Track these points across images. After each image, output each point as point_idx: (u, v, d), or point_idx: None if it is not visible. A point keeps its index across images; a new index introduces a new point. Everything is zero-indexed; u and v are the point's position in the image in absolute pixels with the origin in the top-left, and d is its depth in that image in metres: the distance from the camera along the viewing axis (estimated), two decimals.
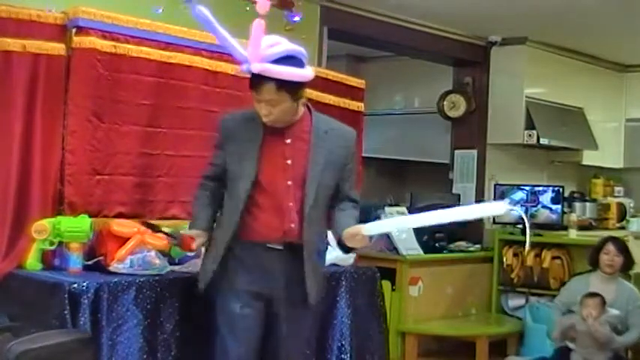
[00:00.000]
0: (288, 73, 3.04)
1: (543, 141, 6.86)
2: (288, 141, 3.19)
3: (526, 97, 6.89)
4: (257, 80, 3.05)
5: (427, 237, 6.14)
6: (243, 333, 3.17)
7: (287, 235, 3.17)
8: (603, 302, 4.80)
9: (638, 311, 4.96)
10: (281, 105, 3.09)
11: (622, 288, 5.08)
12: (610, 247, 5.14)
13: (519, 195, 6.72)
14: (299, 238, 3.18)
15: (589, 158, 7.62)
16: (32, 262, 3.40)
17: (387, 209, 5.94)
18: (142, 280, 3.28)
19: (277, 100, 3.07)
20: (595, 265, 5.19)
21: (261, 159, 3.15)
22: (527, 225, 3.13)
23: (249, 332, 3.18)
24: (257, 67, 3.00)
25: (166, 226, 3.74)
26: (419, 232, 5.97)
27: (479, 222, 6.89)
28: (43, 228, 3.38)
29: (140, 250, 3.41)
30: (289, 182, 3.16)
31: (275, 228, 3.16)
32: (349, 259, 4.12)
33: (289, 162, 3.16)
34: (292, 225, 3.16)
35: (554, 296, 5.58)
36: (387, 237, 5.82)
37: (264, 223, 3.17)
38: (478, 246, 6.65)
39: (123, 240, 3.45)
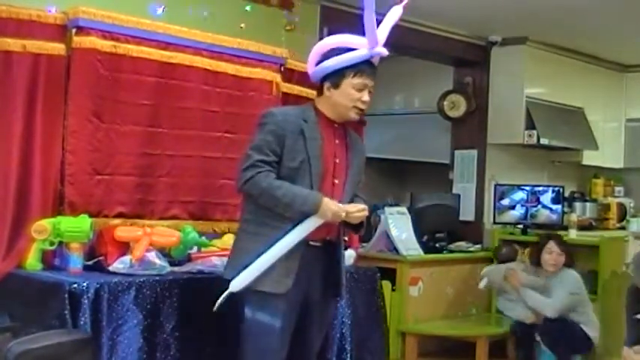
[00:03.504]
0: None
1: (543, 141, 6.84)
2: (337, 141, 3.24)
3: (526, 97, 6.87)
4: (374, 66, 3.18)
5: (427, 237, 6.14)
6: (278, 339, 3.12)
7: (329, 233, 3.20)
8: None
9: (562, 283, 5.01)
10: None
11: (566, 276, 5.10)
12: (553, 246, 5.12)
13: (519, 195, 6.72)
14: (337, 235, 3.26)
15: (589, 158, 7.61)
16: (32, 262, 3.40)
17: (387, 209, 5.92)
18: (142, 280, 3.28)
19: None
20: (538, 264, 5.21)
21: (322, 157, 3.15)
22: None
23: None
24: (385, 52, 3.15)
25: (167, 226, 3.75)
26: (419, 232, 5.97)
27: (479, 222, 6.90)
28: (43, 228, 3.39)
29: None
30: (336, 181, 3.20)
31: (321, 226, 3.12)
32: (349, 259, 4.12)
33: (337, 161, 3.21)
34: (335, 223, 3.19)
35: None
36: (387, 237, 5.82)
37: None
38: (478, 246, 6.64)
39: (125, 242, 3.46)
